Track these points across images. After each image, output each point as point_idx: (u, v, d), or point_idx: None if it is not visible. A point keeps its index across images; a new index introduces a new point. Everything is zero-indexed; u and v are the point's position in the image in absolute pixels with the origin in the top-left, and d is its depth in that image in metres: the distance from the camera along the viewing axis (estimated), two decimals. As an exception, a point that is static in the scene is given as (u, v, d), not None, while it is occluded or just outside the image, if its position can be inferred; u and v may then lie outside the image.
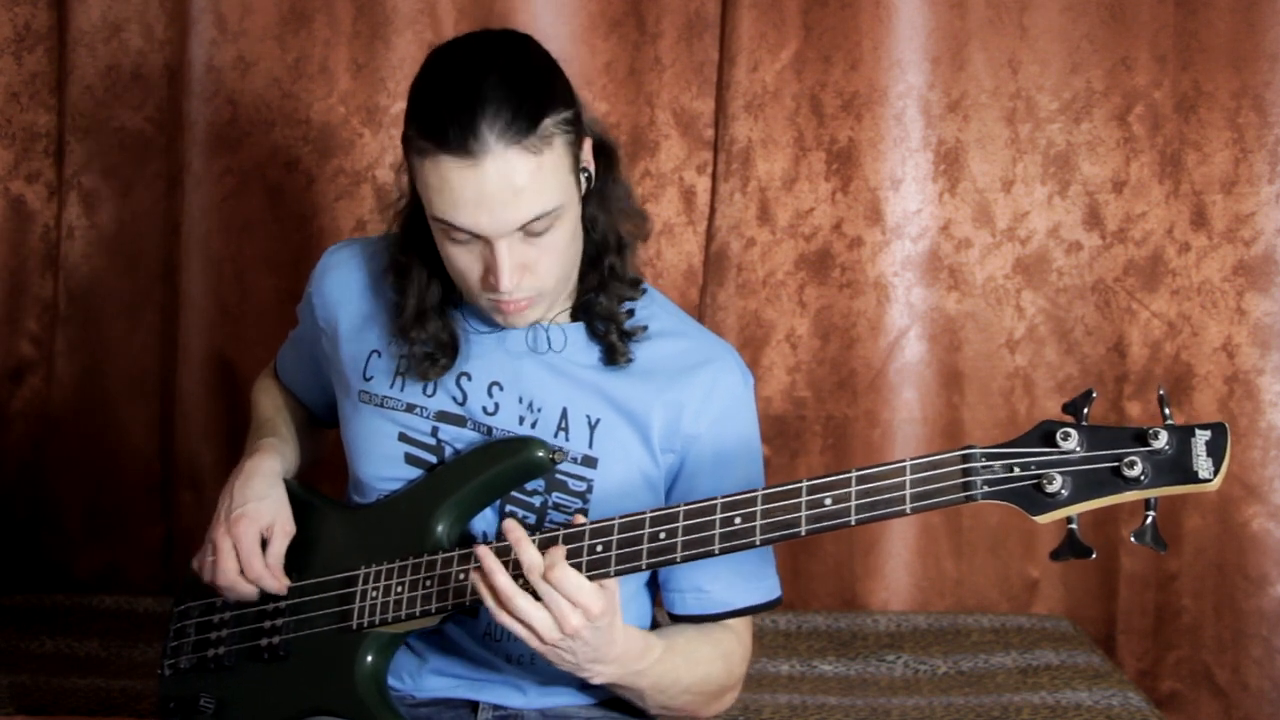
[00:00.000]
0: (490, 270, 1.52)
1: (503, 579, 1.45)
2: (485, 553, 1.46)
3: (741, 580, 1.66)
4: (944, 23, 2.59)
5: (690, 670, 1.62)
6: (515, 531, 1.46)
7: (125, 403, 2.74)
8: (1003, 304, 2.65)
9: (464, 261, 1.54)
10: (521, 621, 1.45)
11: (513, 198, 1.47)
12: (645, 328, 1.64)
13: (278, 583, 1.65)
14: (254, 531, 1.65)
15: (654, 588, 1.73)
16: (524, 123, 1.47)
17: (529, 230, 1.50)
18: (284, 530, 1.67)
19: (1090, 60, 2.59)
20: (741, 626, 1.69)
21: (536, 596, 1.44)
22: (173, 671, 1.77)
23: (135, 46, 2.68)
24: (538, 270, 1.54)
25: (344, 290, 1.74)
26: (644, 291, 1.68)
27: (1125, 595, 2.66)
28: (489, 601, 1.46)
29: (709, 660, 1.64)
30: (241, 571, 1.65)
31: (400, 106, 2.60)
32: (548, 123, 1.49)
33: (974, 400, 2.66)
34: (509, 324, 1.60)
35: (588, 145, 1.58)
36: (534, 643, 1.46)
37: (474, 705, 1.69)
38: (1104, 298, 2.63)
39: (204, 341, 2.69)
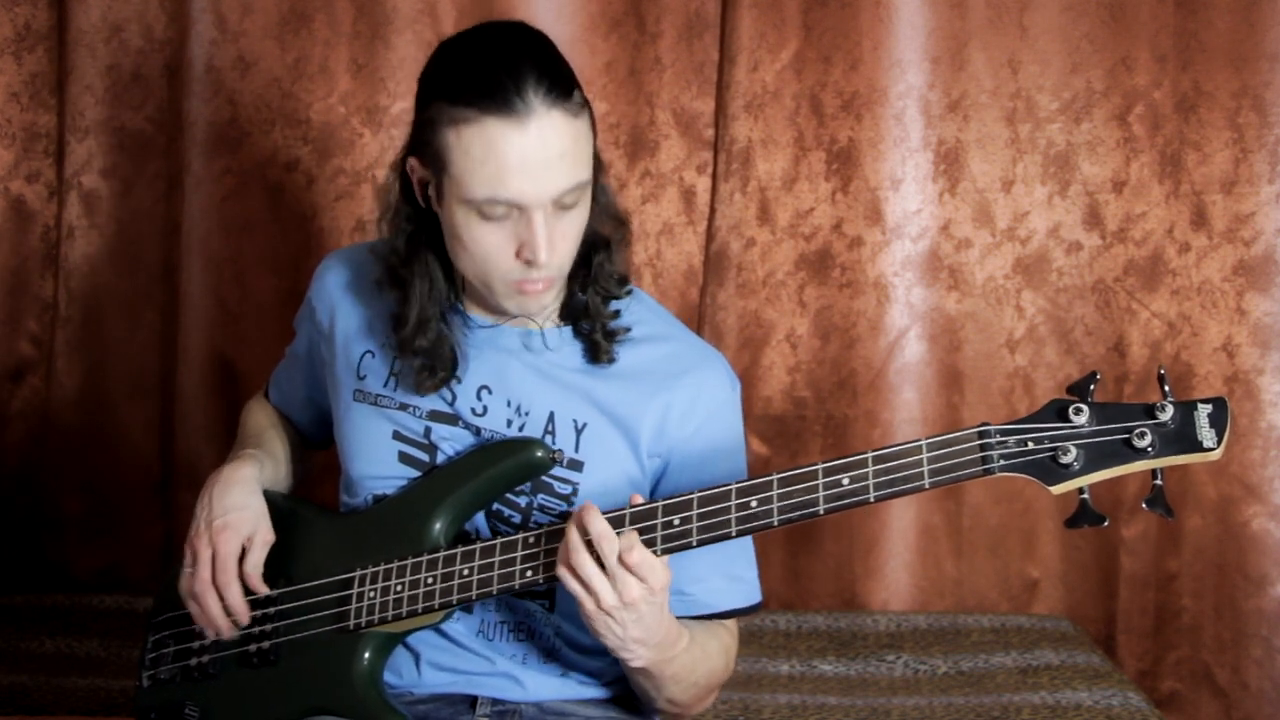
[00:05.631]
0: (526, 245, 1.51)
1: (600, 525, 1.45)
2: (590, 505, 1.47)
3: (725, 583, 1.67)
4: (944, 23, 2.59)
5: (703, 663, 1.63)
6: (589, 505, 1.47)
7: (125, 403, 2.74)
8: (1003, 304, 2.65)
9: (494, 241, 1.52)
10: (583, 582, 1.46)
11: (556, 160, 1.48)
12: (629, 329, 1.65)
13: (242, 603, 1.63)
14: (236, 541, 1.65)
15: None
16: (564, 87, 1.49)
17: (560, 203, 1.51)
18: (264, 540, 1.67)
19: (1090, 60, 2.59)
20: (734, 626, 1.71)
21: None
22: (152, 682, 1.75)
23: (135, 46, 2.68)
24: (559, 249, 1.54)
25: (340, 292, 1.75)
26: (630, 291, 1.68)
27: (1125, 595, 2.66)
28: (564, 554, 1.46)
29: (715, 655, 1.66)
30: (214, 579, 1.64)
31: (401, 106, 2.63)
32: (578, 94, 1.52)
33: (974, 400, 2.66)
34: (524, 309, 1.59)
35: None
36: (589, 606, 1.47)
37: (472, 700, 1.68)
38: (1104, 298, 2.63)
39: (204, 341, 2.69)
